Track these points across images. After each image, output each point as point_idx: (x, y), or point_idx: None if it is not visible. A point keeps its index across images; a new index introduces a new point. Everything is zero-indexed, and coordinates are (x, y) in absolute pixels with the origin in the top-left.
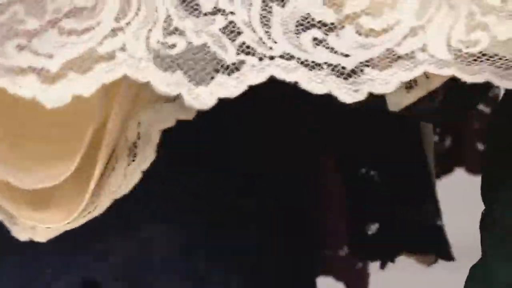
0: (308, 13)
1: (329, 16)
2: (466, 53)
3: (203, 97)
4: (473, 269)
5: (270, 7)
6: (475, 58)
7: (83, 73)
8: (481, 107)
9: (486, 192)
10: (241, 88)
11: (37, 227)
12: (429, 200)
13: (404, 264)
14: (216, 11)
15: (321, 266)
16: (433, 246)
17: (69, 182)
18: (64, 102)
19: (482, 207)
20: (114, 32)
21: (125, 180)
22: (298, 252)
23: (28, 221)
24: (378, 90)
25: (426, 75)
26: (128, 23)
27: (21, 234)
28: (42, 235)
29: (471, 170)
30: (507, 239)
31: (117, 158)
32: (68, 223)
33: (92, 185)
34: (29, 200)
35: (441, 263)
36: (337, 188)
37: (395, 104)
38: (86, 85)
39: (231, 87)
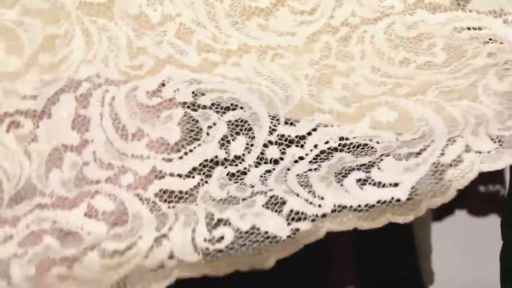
0: (343, 167)
1: (364, 160)
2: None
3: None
4: None
5: (306, 174)
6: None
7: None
8: None
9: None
10: (296, 248)
11: None
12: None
13: None
14: (254, 194)
15: None
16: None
17: None
18: None
19: (482, 248)
20: (158, 241)
21: None
22: None
23: None
24: (437, 203)
25: None
26: (170, 228)
27: None
28: None
29: (473, 212)
30: None
31: None
32: None
33: None
34: None
35: None
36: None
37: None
38: None
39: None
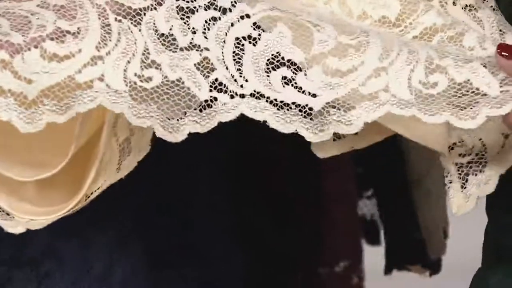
0: (278, 52)
1: (298, 55)
2: (426, 94)
3: (174, 131)
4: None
5: (243, 45)
6: (434, 98)
7: (59, 101)
8: None
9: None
10: (211, 125)
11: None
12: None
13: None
14: (192, 46)
15: (317, 283)
16: (418, 258)
17: (63, 176)
18: (38, 129)
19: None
20: (93, 60)
21: (119, 172)
22: (293, 270)
23: (23, 216)
24: (342, 130)
25: (356, 132)
26: (108, 53)
27: (17, 228)
28: (38, 224)
29: None
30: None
31: (110, 153)
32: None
33: (88, 182)
34: (25, 195)
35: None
36: (335, 203)
37: (321, 152)
38: (60, 113)
39: (201, 123)
